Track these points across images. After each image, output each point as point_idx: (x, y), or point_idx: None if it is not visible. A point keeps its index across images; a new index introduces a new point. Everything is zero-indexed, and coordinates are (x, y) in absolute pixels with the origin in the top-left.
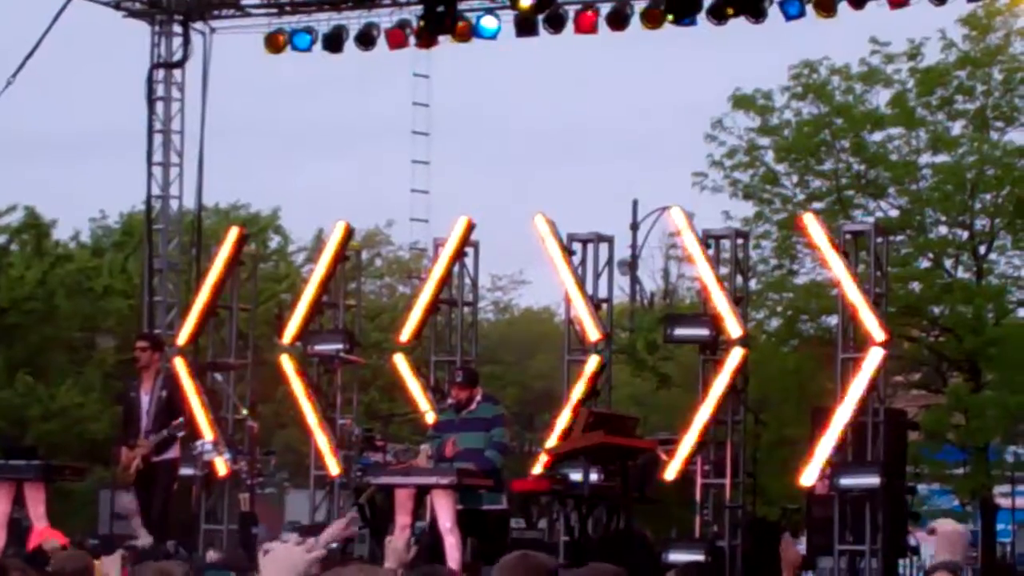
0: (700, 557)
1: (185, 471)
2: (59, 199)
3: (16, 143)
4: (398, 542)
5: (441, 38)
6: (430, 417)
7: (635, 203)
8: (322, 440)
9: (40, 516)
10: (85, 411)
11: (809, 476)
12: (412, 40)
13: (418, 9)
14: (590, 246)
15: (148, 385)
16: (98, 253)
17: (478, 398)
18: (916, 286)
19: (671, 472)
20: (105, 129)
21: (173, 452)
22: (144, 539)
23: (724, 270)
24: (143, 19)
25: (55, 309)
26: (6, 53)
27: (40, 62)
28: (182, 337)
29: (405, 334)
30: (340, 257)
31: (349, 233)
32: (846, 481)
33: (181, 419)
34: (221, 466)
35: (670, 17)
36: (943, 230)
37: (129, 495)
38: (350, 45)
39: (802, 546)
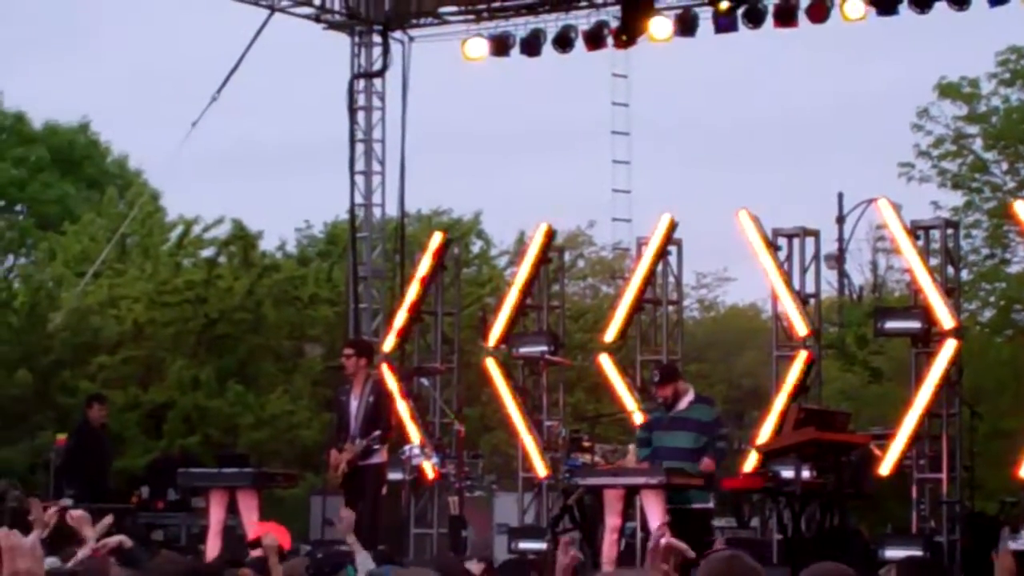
0: (918, 553)
1: (394, 476)
2: (265, 210)
3: (222, 157)
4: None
5: (639, 38)
6: (638, 417)
7: (840, 196)
8: (529, 442)
9: (253, 523)
10: (295, 418)
11: None
12: (610, 41)
13: (615, 10)
14: (796, 241)
15: (358, 390)
16: (304, 262)
17: (689, 397)
18: None
19: (885, 467)
20: (308, 140)
21: (379, 457)
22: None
23: (934, 261)
24: (343, 31)
25: (263, 319)
26: (211, 69)
27: (243, 76)
28: (388, 343)
29: (610, 334)
30: (543, 259)
31: (551, 235)
32: None
33: (378, 432)
34: (429, 470)
35: (871, 8)
36: None
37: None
38: (548, 48)
39: (1023, 540)
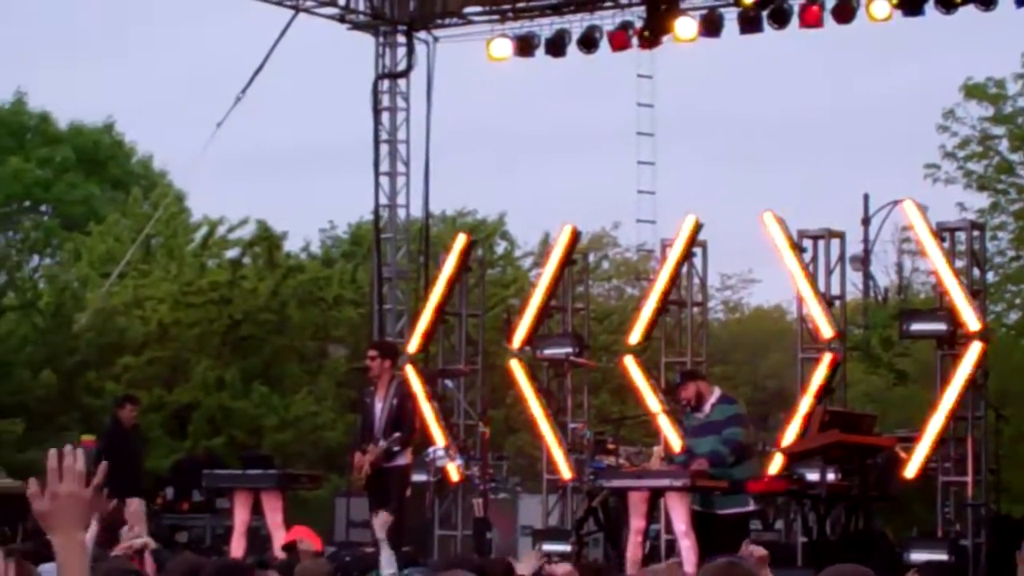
0: (943, 556)
1: (418, 477)
2: (289, 211)
3: (246, 157)
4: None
5: (664, 38)
6: (662, 419)
7: (866, 197)
8: (554, 444)
9: (278, 524)
10: (319, 419)
11: None
12: (635, 41)
13: (640, 10)
14: (821, 242)
15: (382, 392)
16: (328, 263)
17: (712, 399)
18: None
19: (911, 470)
20: (332, 141)
21: (403, 459)
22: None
23: (960, 263)
24: (367, 31)
25: (287, 320)
26: (236, 69)
27: (268, 77)
28: (412, 344)
29: (635, 336)
30: (567, 260)
31: (576, 236)
32: None
33: (398, 434)
34: (453, 472)
35: (897, 9)
36: None
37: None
38: (572, 49)
39: None
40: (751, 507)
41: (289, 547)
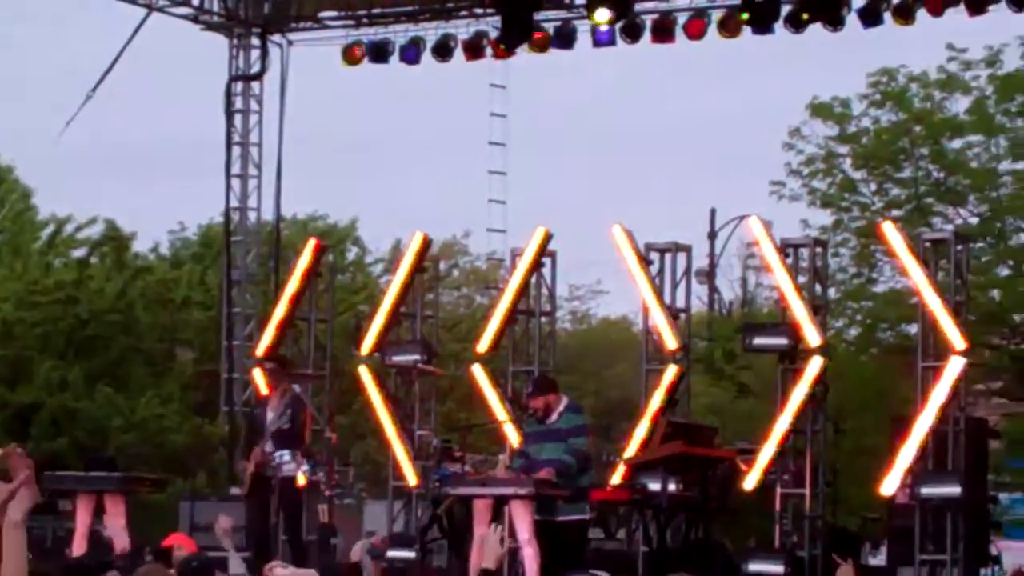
0: (780, 568)
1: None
2: (139, 212)
3: (96, 157)
4: (493, 538)
5: (518, 49)
6: (509, 428)
7: (713, 212)
8: (400, 451)
9: (120, 528)
10: (165, 422)
11: (889, 485)
12: (489, 51)
13: (495, 20)
14: (668, 255)
15: (274, 403)
16: (177, 265)
17: (559, 408)
18: (996, 294)
19: (750, 482)
20: (184, 142)
21: (292, 470)
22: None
23: (803, 279)
24: (221, 32)
25: (135, 321)
26: (87, 68)
27: (120, 76)
28: (260, 348)
29: (483, 344)
30: (418, 268)
31: (426, 244)
32: (927, 490)
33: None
34: (300, 477)
35: (748, 26)
36: (1023, 237)
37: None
38: (427, 57)
39: (883, 556)
40: (588, 515)
41: (164, 553)
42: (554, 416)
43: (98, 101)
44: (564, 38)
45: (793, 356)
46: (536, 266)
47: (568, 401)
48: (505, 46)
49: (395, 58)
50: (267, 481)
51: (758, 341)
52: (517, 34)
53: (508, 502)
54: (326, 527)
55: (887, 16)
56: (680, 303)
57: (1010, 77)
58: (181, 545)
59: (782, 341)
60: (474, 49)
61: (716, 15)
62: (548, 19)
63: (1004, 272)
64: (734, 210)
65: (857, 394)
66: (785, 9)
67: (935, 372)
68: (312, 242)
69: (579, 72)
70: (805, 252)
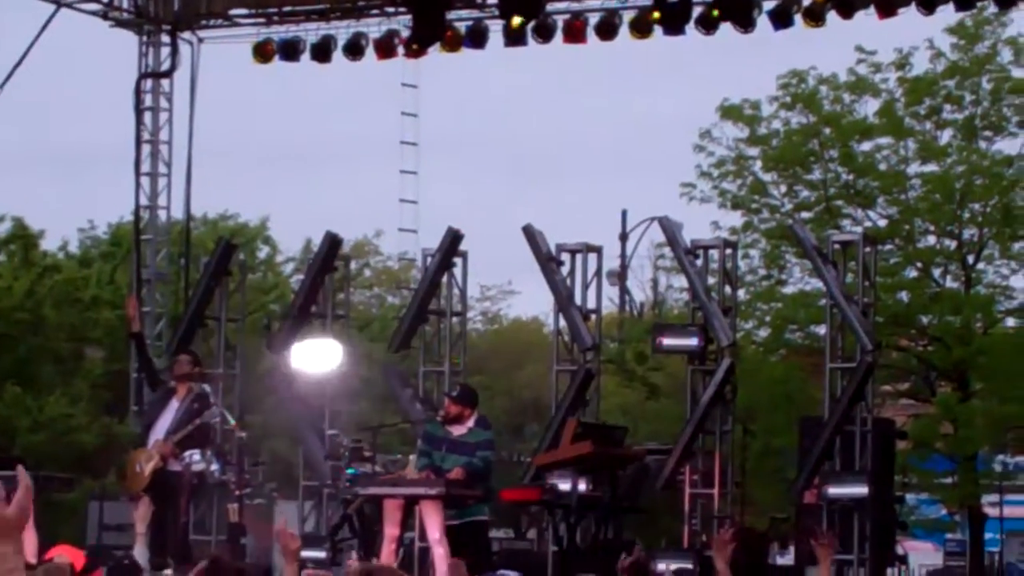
0: (689, 566)
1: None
2: (47, 209)
3: (2, 154)
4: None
5: (430, 48)
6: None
7: (624, 213)
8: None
9: (27, 527)
10: (74, 422)
11: (797, 486)
12: (400, 50)
13: (407, 19)
14: (579, 256)
15: (181, 393)
16: (86, 264)
17: (470, 423)
18: (904, 296)
19: (660, 482)
20: (93, 139)
21: (200, 464)
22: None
23: (712, 280)
24: (130, 29)
25: (43, 320)
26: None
27: (27, 72)
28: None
29: (394, 344)
30: (328, 267)
31: (337, 243)
32: (834, 490)
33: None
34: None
35: (659, 26)
36: (931, 240)
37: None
38: (338, 55)
39: (791, 555)
40: (486, 516)
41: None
42: (463, 429)
43: (7, 98)
44: (476, 37)
45: (703, 357)
46: (447, 266)
47: (479, 415)
48: (417, 45)
49: (306, 56)
50: (172, 476)
51: (668, 342)
52: (429, 33)
53: (418, 502)
54: (236, 527)
55: (797, 18)
56: (591, 304)
57: (919, 80)
58: (62, 555)
59: (692, 342)
60: (386, 48)
61: (627, 16)
62: (460, 18)
63: (912, 274)
64: (645, 212)
65: (766, 395)
66: (697, 11)
67: (843, 373)
68: (223, 241)
69: (492, 72)
70: (715, 253)
